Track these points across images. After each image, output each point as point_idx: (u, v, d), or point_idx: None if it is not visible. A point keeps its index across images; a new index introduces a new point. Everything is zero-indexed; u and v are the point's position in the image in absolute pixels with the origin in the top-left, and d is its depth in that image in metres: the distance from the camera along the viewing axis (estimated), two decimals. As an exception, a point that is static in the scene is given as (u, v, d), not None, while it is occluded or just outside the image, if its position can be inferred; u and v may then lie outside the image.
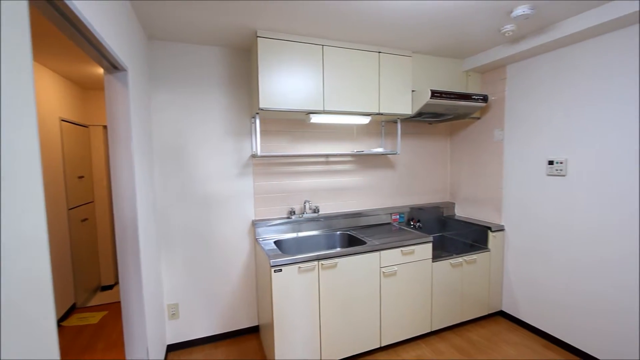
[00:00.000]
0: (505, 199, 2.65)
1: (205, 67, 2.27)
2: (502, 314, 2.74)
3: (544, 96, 2.32)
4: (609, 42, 1.94)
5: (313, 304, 2.02)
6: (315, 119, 2.24)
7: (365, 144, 2.75)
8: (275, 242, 2.31)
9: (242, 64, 2.36)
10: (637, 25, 1.81)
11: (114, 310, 3.02)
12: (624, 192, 1.91)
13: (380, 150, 2.59)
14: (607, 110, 1.98)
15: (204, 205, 2.32)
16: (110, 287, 3.53)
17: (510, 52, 2.32)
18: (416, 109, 2.40)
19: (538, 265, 2.41)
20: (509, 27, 2.03)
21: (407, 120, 2.72)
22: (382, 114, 2.37)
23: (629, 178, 1.89)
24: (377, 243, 2.20)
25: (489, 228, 2.60)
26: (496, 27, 2.07)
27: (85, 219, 3.23)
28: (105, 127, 3.46)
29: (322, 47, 2.15)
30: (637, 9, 1.65)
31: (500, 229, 2.65)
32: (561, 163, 2.22)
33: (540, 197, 2.38)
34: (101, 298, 3.29)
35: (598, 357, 2.06)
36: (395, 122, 2.72)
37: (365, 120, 2.39)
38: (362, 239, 2.31)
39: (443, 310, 2.45)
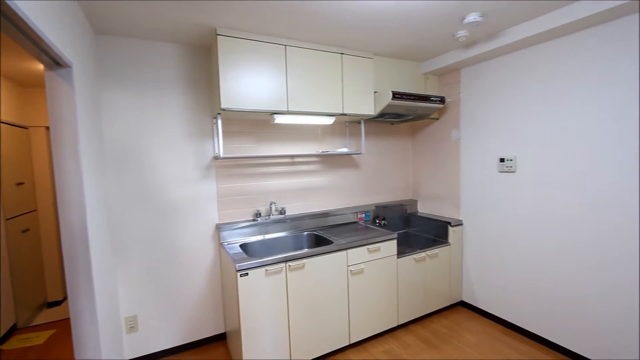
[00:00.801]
0: (462, 195, 2.80)
1: (162, 65, 2.15)
2: (462, 304, 2.89)
3: (494, 98, 2.49)
4: (549, 49, 2.12)
5: (281, 306, 1.99)
6: (279, 119, 2.22)
7: (330, 144, 2.78)
8: (241, 246, 2.25)
9: (203, 63, 2.27)
10: (573, 34, 1.99)
11: (63, 327, 2.77)
12: (566, 185, 2.10)
13: (345, 150, 2.62)
14: (549, 111, 2.16)
15: (164, 211, 2.20)
16: (58, 303, 3.23)
17: (464, 56, 2.46)
18: (379, 109, 2.46)
19: (493, 256, 2.58)
20: (462, 33, 2.15)
21: (370, 120, 2.78)
22: (346, 115, 2.40)
23: (569, 173, 2.08)
24: (343, 242, 2.23)
25: (449, 223, 2.74)
26: (450, 32, 2.18)
27: (27, 230, 2.93)
28: (48, 128, 3.17)
29: (285, 48, 2.13)
30: (574, 20, 1.82)
31: (459, 223, 2.79)
32: (511, 160, 2.39)
33: (494, 192, 2.54)
34: (48, 315, 3.00)
35: (549, 339, 2.24)
36: (359, 122, 2.77)
37: (330, 120, 2.41)
38: (329, 239, 2.33)
39: (409, 304, 2.53)
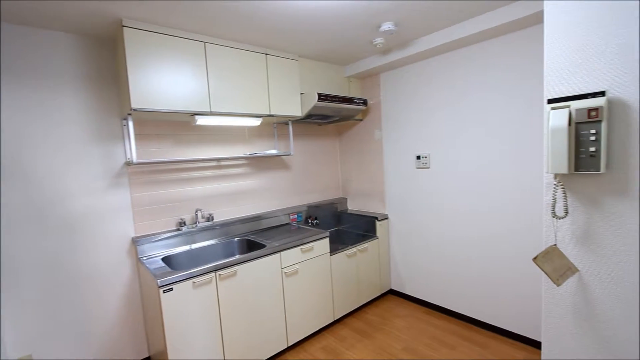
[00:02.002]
0: (387, 191, 3.01)
1: (56, 58, 1.85)
2: (392, 292, 3.10)
3: (411, 101, 2.72)
4: (455, 58, 2.40)
5: (213, 318, 1.88)
6: (201, 120, 2.09)
7: (259, 146, 2.72)
8: (163, 259, 2.06)
9: (109, 57, 2.02)
10: (476, 44, 2.29)
11: None
12: (472, 179, 2.40)
13: (274, 152, 2.59)
14: (457, 112, 2.45)
15: (64, 228, 1.89)
16: None
17: (381, 62, 2.64)
18: (305, 111, 2.50)
19: (416, 245, 2.83)
20: (379, 40, 2.30)
21: (298, 121, 2.80)
22: (273, 116, 2.38)
23: (474, 168, 2.38)
24: (276, 245, 2.20)
25: (376, 218, 2.91)
26: (369, 39, 2.31)
27: None
28: None
29: (205, 45, 2.01)
30: (473, 32, 2.09)
31: (385, 217, 2.99)
32: (426, 157, 2.64)
33: (413, 187, 2.78)
34: None
35: (464, 314, 2.54)
36: (287, 123, 2.77)
37: (257, 122, 2.36)
38: (262, 243, 2.27)
39: (343, 298, 2.62)
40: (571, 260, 1.13)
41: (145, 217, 2.17)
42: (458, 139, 2.43)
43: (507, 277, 2.24)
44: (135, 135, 2.09)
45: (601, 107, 1.00)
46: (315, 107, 2.43)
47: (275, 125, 2.81)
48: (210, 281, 1.86)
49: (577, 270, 1.12)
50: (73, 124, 1.91)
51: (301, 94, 2.55)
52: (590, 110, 1.02)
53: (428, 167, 2.64)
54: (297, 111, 2.49)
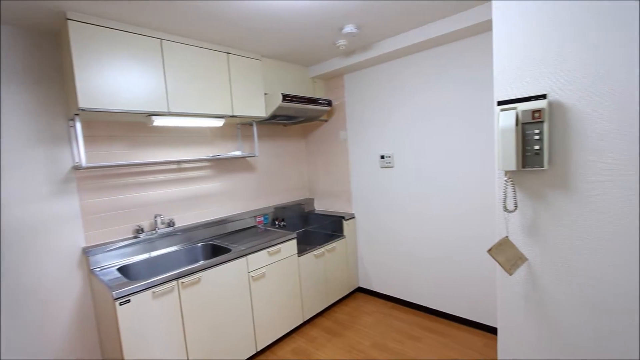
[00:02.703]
0: (353, 191, 3.06)
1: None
2: (360, 289, 3.16)
3: (374, 102, 2.79)
4: (416, 60, 2.49)
5: (176, 329, 1.79)
6: (158, 121, 1.98)
7: (222, 148, 2.64)
8: (119, 269, 1.92)
9: (53, 52, 1.84)
10: (436, 48, 2.39)
11: None
12: (433, 178, 2.51)
13: (238, 153, 2.53)
14: (416, 113, 2.54)
15: (2, 240, 1.70)
16: None
17: (344, 63, 2.68)
18: (270, 111, 2.46)
19: (381, 243, 2.90)
20: (341, 42, 2.33)
21: (262, 122, 2.75)
22: (236, 117, 2.32)
23: (436, 168, 2.49)
24: (242, 248, 2.14)
25: (343, 217, 2.95)
26: (332, 40, 2.34)
27: None
28: None
29: (161, 42, 1.91)
30: (432, 37, 2.18)
31: (352, 217, 3.04)
32: (390, 157, 2.72)
33: (378, 186, 2.85)
34: None
35: (427, 306, 2.65)
36: (251, 124, 2.71)
37: (219, 122, 2.28)
38: (227, 247, 2.21)
39: (312, 299, 2.61)
40: (521, 250, 1.22)
41: (98, 225, 2.01)
42: (420, 139, 2.53)
43: (466, 270, 2.37)
44: (85, 137, 1.93)
45: (543, 109, 1.09)
46: (279, 107, 2.41)
47: (239, 126, 2.74)
48: (171, 290, 1.77)
49: (526, 259, 1.21)
50: (14, 124, 1.72)
51: (265, 94, 2.51)
52: (534, 111, 1.11)
53: (392, 167, 2.72)
54: (261, 112, 2.45)
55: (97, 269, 1.92)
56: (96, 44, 1.67)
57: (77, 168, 1.91)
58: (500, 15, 1.19)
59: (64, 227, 1.89)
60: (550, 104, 1.11)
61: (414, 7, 1.88)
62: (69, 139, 1.91)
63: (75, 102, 1.63)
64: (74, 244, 1.93)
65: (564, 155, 1.10)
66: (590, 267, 1.08)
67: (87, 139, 1.95)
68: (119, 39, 1.75)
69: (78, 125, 1.77)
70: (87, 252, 1.92)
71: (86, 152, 1.93)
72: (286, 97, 2.39)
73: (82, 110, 1.63)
